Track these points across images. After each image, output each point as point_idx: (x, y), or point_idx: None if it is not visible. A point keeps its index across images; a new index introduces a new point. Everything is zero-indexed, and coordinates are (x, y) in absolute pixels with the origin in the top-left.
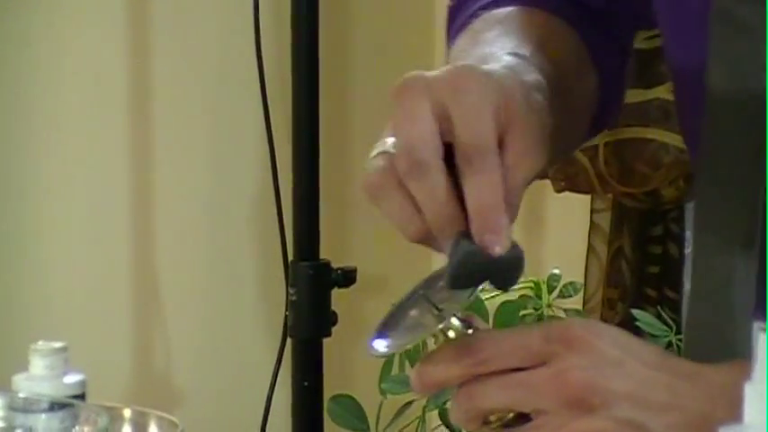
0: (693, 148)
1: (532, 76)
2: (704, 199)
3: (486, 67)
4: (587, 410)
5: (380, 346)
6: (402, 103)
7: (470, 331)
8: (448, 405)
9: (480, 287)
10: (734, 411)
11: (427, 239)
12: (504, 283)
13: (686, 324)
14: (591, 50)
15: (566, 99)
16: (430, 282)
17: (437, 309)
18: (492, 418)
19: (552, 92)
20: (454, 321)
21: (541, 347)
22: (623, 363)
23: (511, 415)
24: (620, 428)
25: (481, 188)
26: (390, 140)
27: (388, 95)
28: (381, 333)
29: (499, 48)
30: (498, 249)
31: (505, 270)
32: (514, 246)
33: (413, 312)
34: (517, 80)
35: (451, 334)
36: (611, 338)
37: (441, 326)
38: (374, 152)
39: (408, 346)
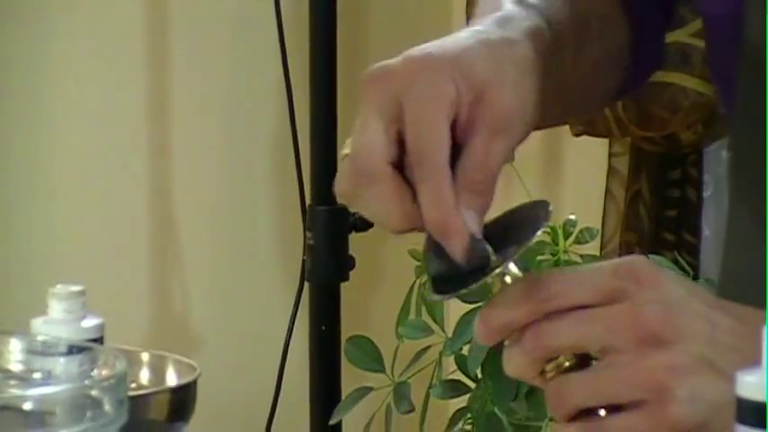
0: (724, 91)
1: (527, 23)
2: (739, 143)
3: (447, 43)
4: (662, 345)
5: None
6: (363, 102)
7: None
8: (464, 350)
9: (540, 231)
10: None
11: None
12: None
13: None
14: (625, 3)
15: (583, 47)
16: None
17: (492, 255)
18: (548, 367)
19: (561, 39)
20: (512, 267)
21: (611, 283)
22: (690, 301)
23: (568, 363)
24: (694, 364)
25: (429, 197)
26: None
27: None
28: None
29: None
30: (460, 256)
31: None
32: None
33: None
34: (493, 41)
35: (508, 279)
36: (673, 276)
37: (498, 270)
38: (343, 151)
39: (464, 291)
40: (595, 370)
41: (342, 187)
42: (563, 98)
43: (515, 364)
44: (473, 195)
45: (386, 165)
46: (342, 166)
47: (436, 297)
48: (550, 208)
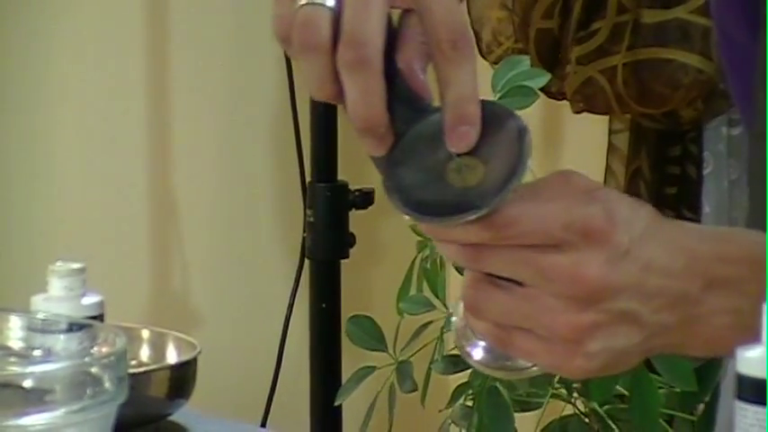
0: (744, 110)
1: None
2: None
3: None
4: (588, 304)
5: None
6: None
7: None
8: None
9: (529, 159)
10: (707, 285)
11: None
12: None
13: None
14: None
15: None
16: None
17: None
18: None
19: None
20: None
21: (562, 234)
22: (629, 252)
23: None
24: (614, 319)
25: (463, 77)
26: None
27: None
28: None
29: None
30: (466, 146)
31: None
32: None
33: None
34: None
35: None
36: (625, 224)
37: (486, 211)
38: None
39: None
40: (519, 297)
41: (303, 36)
42: None
43: (452, 260)
44: (451, 60)
45: (382, 57)
46: (306, 11)
47: (425, 218)
48: (523, 124)
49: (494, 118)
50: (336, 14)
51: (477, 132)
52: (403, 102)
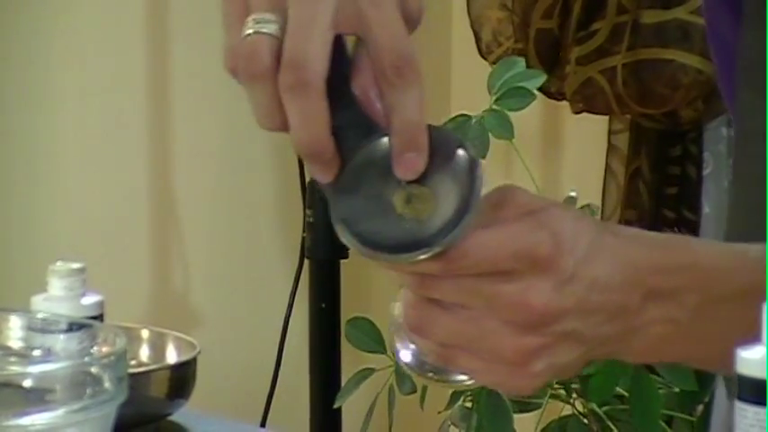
0: (731, 106)
1: None
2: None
3: None
4: (533, 330)
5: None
6: None
7: None
8: None
9: (482, 191)
10: (645, 296)
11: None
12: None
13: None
14: None
15: None
16: None
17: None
18: None
19: None
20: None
21: (508, 263)
22: (574, 275)
23: None
24: (557, 340)
25: (409, 103)
26: (269, 19)
27: None
28: None
29: None
30: (413, 173)
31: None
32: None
33: None
34: None
35: None
36: (570, 246)
37: (438, 250)
38: (248, 29)
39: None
40: (464, 319)
41: (248, 67)
42: None
43: (398, 277)
44: (394, 86)
45: (324, 79)
46: (250, 42)
47: (373, 253)
48: (474, 155)
49: (445, 145)
50: (281, 42)
51: (425, 159)
52: (355, 129)
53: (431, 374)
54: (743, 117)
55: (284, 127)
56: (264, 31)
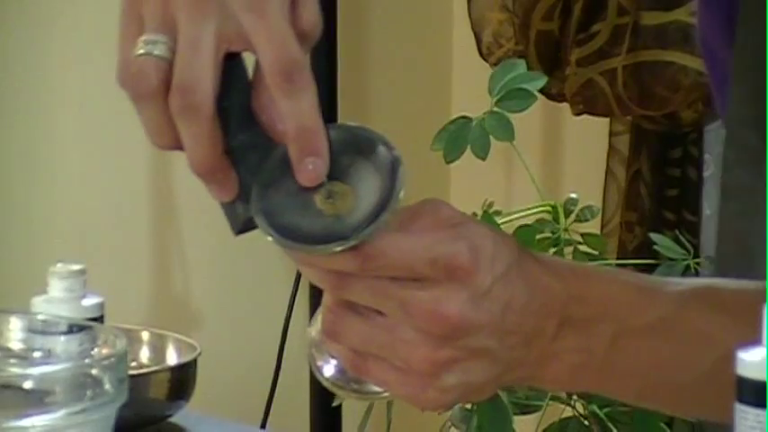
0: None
1: None
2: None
3: None
4: (446, 341)
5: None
6: (188, 12)
7: None
8: None
9: (402, 190)
10: (561, 323)
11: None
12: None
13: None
14: None
15: None
16: None
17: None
18: None
19: None
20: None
21: (426, 271)
22: (490, 291)
23: None
24: (470, 355)
25: (303, 109)
26: (160, 40)
27: None
28: None
29: None
30: (315, 179)
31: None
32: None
33: None
34: None
35: None
36: (489, 263)
37: (353, 243)
38: (138, 50)
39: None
40: (378, 326)
41: (138, 88)
42: None
43: (314, 281)
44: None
45: (213, 100)
46: (139, 63)
47: (290, 244)
48: (397, 154)
49: (367, 144)
50: (170, 64)
51: (326, 163)
52: (252, 147)
53: (354, 385)
54: (732, 126)
55: (176, 145)
56: (155, 53)
